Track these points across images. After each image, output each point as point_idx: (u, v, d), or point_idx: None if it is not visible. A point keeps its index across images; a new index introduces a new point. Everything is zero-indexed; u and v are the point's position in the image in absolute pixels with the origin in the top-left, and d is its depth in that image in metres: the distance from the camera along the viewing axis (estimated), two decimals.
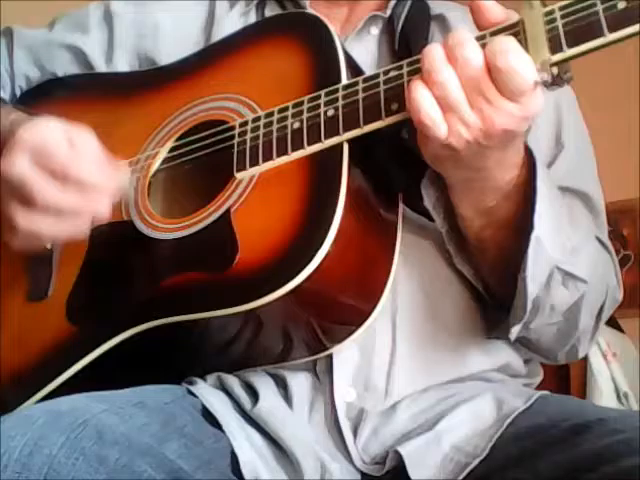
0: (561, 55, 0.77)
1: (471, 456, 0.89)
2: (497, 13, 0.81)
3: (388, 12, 1.10)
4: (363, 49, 1.08)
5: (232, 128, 0.97)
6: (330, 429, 0.95)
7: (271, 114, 0.93)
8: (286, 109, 0.92)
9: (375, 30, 1.10)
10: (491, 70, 0.78)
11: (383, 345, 0.97)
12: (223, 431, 0.93)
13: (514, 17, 0.81)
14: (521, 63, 0.77)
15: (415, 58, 0.85)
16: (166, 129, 1.04)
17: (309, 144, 0.90)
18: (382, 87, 0.86)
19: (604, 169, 1.14)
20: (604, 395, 2.15)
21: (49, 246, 1.00)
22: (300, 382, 0.97)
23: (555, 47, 0.77)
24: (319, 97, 0.91)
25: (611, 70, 2.48)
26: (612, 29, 0.75)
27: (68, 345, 0.97)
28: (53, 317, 0.99)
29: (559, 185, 0.99)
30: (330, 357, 0.96)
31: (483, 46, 0.79)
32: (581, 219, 1.03)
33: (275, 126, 0.92)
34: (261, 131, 0.93)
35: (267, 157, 0.92)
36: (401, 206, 0.96)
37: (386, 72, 0.87)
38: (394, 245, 0.94)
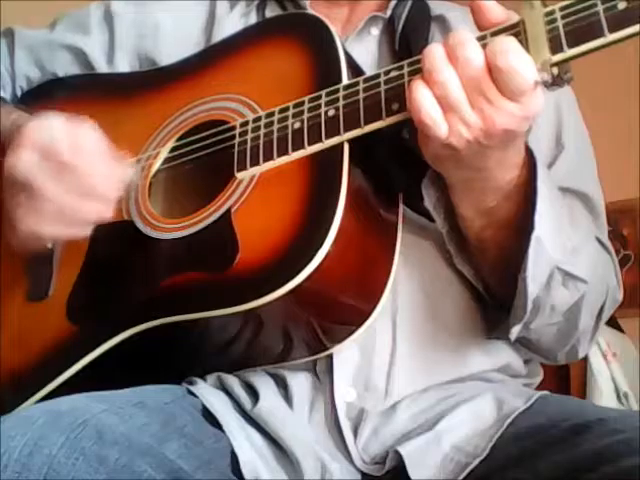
0: (561, 55, 0.77)
1: (471, 456, 0.89)
2: (498, 13, 0.82)
3: (388, 12, 1.10)
4: (363, 49, 1.08)
5: (233, 128, 0.97)
6: (330, 429, 0.95)
7: (272, 114, 0.93)
8: (287, 109, 0.92)
9: (375, 30, 1.10)
10: (492, 70, 0.78)
11: (383, 345, 0.97)
12: (223, 431, 0.93)
13: (514, 18, 0.81)
14: (522, 63, 0.77)
15: (416, 58, 0.85)
16: (167, 129, 1.04)
17: (310, 144, 0.90)
18: (383, 87, 0.86)
19: (604, 169, 1.14)
20: (604, 395, 2.15)
21: (50, 246, 1.00)
22: (300, 382, 0.97)
23: (556, 47, 0.77)
24: (320, 97, 0.91)
25: (611, 70, 2.48)
26: (612, 29, 0.75)
27: (68, 345, 0.97)
28: (53, 317, 0.99)
29: (559, 186, 0.99)
30: (330, 357, 0.96)
31: (484, 46, 0.79)
32: (581, 219, 1.03)
33: (276, 126, 0.92)
34: (262, 131, 0.93)
35: (268, 157, 0.92)
36: (401, 206, 0.96)
37: (387, 72, 0.87)
38: (394, 245, 0.94)
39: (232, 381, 0.99)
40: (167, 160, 1.03)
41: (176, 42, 1.14)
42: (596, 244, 1.04)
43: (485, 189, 0.89)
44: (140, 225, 0.98)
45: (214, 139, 0.99)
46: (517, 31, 0.80)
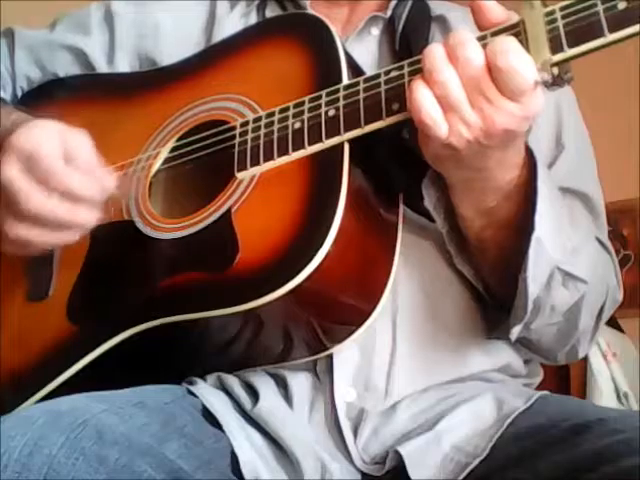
0: (562, 55, 0.77)
1: (471, 456, 0.89)
2: (498, 13, 0.82)
3: (389, 13, 1.10)
4: (364, 49, 1.08)
5: (233, 128, 0.97)
6: (330, 429, 0.95)
7: (272, 114, 0.93)
8: (287, 109, 0.92)
9: (376, 31, 1.10)
10: (492, 70, 0.78)
11: (383, 345, 0.97)
12: (223, 431, 0.93)
13: (514, 18, 0.81)
14: (522, 63, 0.77)
15: (416, 58, 0.85)
16: (167, 129, 1.04)
17: (310, 144, 0.90)
18: (383, 87, 0.86)
19: (604, 169, 1.14)
20: (604, 395, 2.15)
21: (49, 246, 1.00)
22: (300, 382, 0.97)
23: (556, 47, 0.77)
24: (320, 97, 0.91)
25: (611, 70, 2.48)
26: (612, 29, 0.75)
27: (68, 345, 0.97)
28: (54, 317, 0.99)
29: (559, 186, 0.99)
30: (330, 357, 0.96)
31: (484, 46, 0.79)
32: (581, 220, 1.04)
33: (276, 126, 0.92)
34: (262, 131, 0.93)
35: (268, 157, 0.92)
36: (401, 206, 0.96)
37: (387, 72, 0.87)
38: (394, 245, 0.94)
39: (232, 381, 0.98)
40: (167, 160, 1.03)
41: (176, 42, 1.14)
42: (596, 244, 1.04)
43: (485, 189, 0.89)
44: (140, 225, 0.98)
45: (214, 139, 0.99)
46: (517, 31, 0.80)
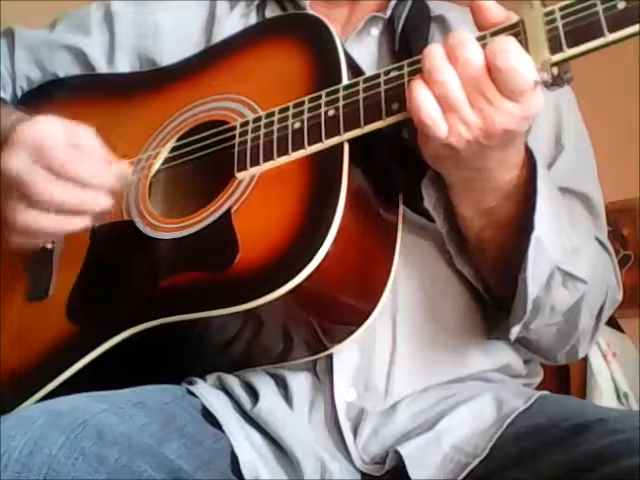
0: (561, 55, 0.77)
1: (471, 456, 0.89)
2: (497, 13, 0.82)
3: (388, 13, 1.10)
4: (363, 50, 1.08)
5: (233, 128, 0.97)
6: (330, 429, 0.95)
7: (272, 114, 0.93)
8: (287, 109, 0.92)
9: (375, 31, 1.10)
10: (491, 70, 0.78)
11: (383, 345, 0.97)
12: (223, 431, 0.93)
13: (514, 18, 0.81)
14: (521, 63, 0.77)
15: (416, 58, 0.85)
16: (167, 129, 1.04)
17: (310, 144, 0.90)
18: (383, 87, 0.87)
19: (604, 169, 1.14)
20: (604, 395, 2.15)
21: (49, 246, 1.00)
22: (300, 382, 0.97)
23: (555, 47, 0.77)
24: (320, 97, 0.91)
25: (611, 70, 2.48)
26: (612, 29, 0.75)
27: (68, 345, 0.97)
28: (53, 316, 0.99)
29: (559, 186, 0.99)
30: (330, 357, 0.96)
31: (483, 46, 0.79)
32: (581, 220, 1.04)
33: (276, 126, 0.92)
34: (262, 131, 0.93)
35: (268, 157, 0.92)
36: (401, 206, 0.96)
37: (387, 72, 0.87)
38: (394, 245, 0.94)
39: (232, 381, 0.99)
40: (167, 160, 1.03)
41: (176, 42, 1.14)
42: (596, 244, 1.04)
43: (485, 189, 0.89)
44: (140, 225, 0.98)
45: (214, 139, 0.99)
46: (517, 31, 0.80)
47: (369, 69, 0.98)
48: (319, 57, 0.96)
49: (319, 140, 0.89)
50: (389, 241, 0.94)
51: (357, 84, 0.89)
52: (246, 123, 0.96)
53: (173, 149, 1.03)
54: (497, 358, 1.04)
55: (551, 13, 0.78)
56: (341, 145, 0.88)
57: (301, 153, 0.90)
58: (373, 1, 1.13)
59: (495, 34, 0.81)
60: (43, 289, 1.02)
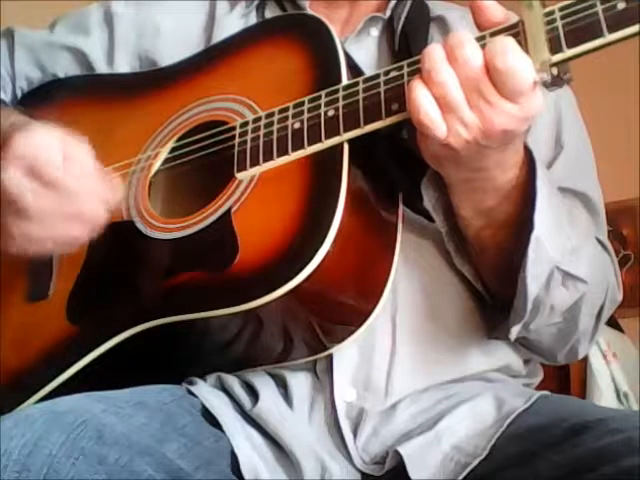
0: (561, 55, 0.77)
1: (471, 456, 0.89)
2: (497, 13, 0.82)
3: (388, 13, 1.10)
4: (363, 50, 1.08)
5: (233, 128, 0.97)
6: (330, 429, 0.95)
7: (272, 114, 0.94)
8: (287, 109, 0.92)
9: (375, 31, 1.10)
10: (490, 70, 0.78)
11: (383, 345, 0.97)
12: (223, 431, 0.93)
13: (514, 18, 0.81)
14: (520, 63, 0.77)
15: (416, 59, 0.85)
16: (167, 130, 1.04)
17: (309, 144, 0.90)
18: (382, 87, 0.87)
19: (604, 169, 1.14)
20: (604, 395, 2.15)
21: None
22: (300, 382, 0.97)
23: (555, 47, 0.77)
24: (319, 97, 0.91)
25: (611, 70, 2.48)
26: (612, 29, 0.75)
27: (68, 345, 0.97)
28: (53, 317, 0.99)
29: (558, 186, 0.99)
30: (330, 357, 0.96)
31: (483, 46, 0.79)
32: (580, 219, 1.03)
33: (276, 126, 0.92)
34: (262, 131, 0.93)
35: (267, 157, 0.92)
36: (401, 206, 0.96)
37: (386, 72, 0.88)
38: (394, 245, 0.94)
39: (232, 381, 0.99)
40: (167, 160, 1.03)
41: (176, 42, 1.14)
42: (596, 244, 1.04)
43: (484, 189, 0.89)
44: (140, 225, 0.98)
45: (214, 139, 0.99)
46: (516, 31, 0.80)
47: (368, 69, 0.98)
48: (319, 57, 0.96)
49: (319, 140, 0.89)
50: (389, 241, 0.94)
51: (357, 84, 0.89)
52: (246, 123, 0.96)
53: (173, 149, 1.03)
54: (497, 358, 1.04)
55: (551, 13, 0.78)
56: (341, 145, 0.88)
57: (301, 153, 0.90)
58: (373, 1, 1.13)
59: (494, 34, 0.81)
60: (43, 289, 1.02)
